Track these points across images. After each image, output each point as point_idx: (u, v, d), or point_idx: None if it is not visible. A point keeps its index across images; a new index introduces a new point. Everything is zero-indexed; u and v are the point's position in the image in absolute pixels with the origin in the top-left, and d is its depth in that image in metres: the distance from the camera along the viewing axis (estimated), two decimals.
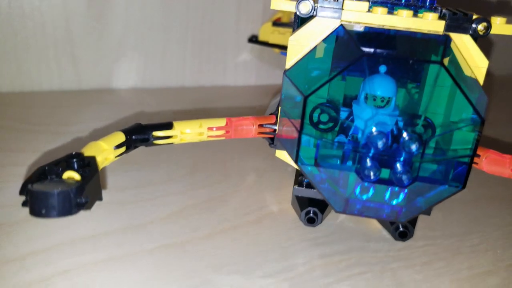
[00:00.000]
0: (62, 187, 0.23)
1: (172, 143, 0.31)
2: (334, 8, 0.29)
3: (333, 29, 0.29)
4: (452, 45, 0.28)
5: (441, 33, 0.28)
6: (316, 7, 0.29)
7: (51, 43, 0.54)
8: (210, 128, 0.32)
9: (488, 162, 0.31)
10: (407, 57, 0.27)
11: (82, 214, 0.32)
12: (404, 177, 0.27)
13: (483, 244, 0.33)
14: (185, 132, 0.31)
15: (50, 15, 0.52)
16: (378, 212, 0.28)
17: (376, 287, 0.28)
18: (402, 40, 0.28)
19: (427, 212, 0.32)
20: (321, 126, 0.30)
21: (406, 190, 0.28)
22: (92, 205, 0.24)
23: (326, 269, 0.29)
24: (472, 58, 0.29)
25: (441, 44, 0.28)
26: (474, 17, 0.29)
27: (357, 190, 0.28)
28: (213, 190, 0.37)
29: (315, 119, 0.30)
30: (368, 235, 0.33)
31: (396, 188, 0.28)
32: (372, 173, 0.28)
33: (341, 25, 0.29)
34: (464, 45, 0.29)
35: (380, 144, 0.27)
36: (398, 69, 0.29)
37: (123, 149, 0.29)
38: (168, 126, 0.31)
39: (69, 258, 0.28)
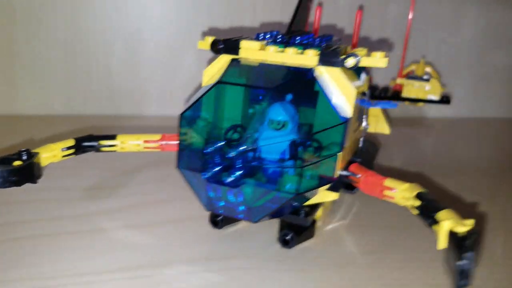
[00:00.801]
0: (1, 168, 0.33)
1: (115, 151, 0.40)
2: (234, 46, 0.36)
3: (227, 64, 0.36)
4: (328, 74, 0.33)
5: (314, 67, 0.34)
6: (223, 47, 0.37)
7: (95, 77, 0.68)
8: (146, 141, 0.40)
9: (364, 182, 0.34)
10: (252, 85, 0.33)
11: (49, 206, 0.42)
12: (227, 178, 0.32)
13: (376, 264, 0.36)
14: (126, 142, 0.40)
15: (96, 56, 0.67)
16: (235, 211, 0.33)
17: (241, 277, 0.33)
18: (275, 71, 0.34)
19: (305, 221, 0.35)
20: (233, 143, 0.36)
21: (242, 191, 0.32)
22: (22, 184, 0.33)
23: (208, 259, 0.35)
24: (342, 87, 0.34)
25: (306, 75, 0.33)
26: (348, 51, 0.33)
27: (209, 191, 0.33)
28: (170, 192, 0.45)
29: (228, 136, 0.36)
30: (268, 241, 0.37)
31: (234, 190, 0.32)
32: (203, 172, 0.32)
33: (232, 59, 0.35)
34: (335, 76, 0.34)
35: (208, 148, 0.33)
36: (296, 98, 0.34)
37: (72, 151, 0.38)
38: (112, 137, 0.40)
39: (36, 230, 0.38)
